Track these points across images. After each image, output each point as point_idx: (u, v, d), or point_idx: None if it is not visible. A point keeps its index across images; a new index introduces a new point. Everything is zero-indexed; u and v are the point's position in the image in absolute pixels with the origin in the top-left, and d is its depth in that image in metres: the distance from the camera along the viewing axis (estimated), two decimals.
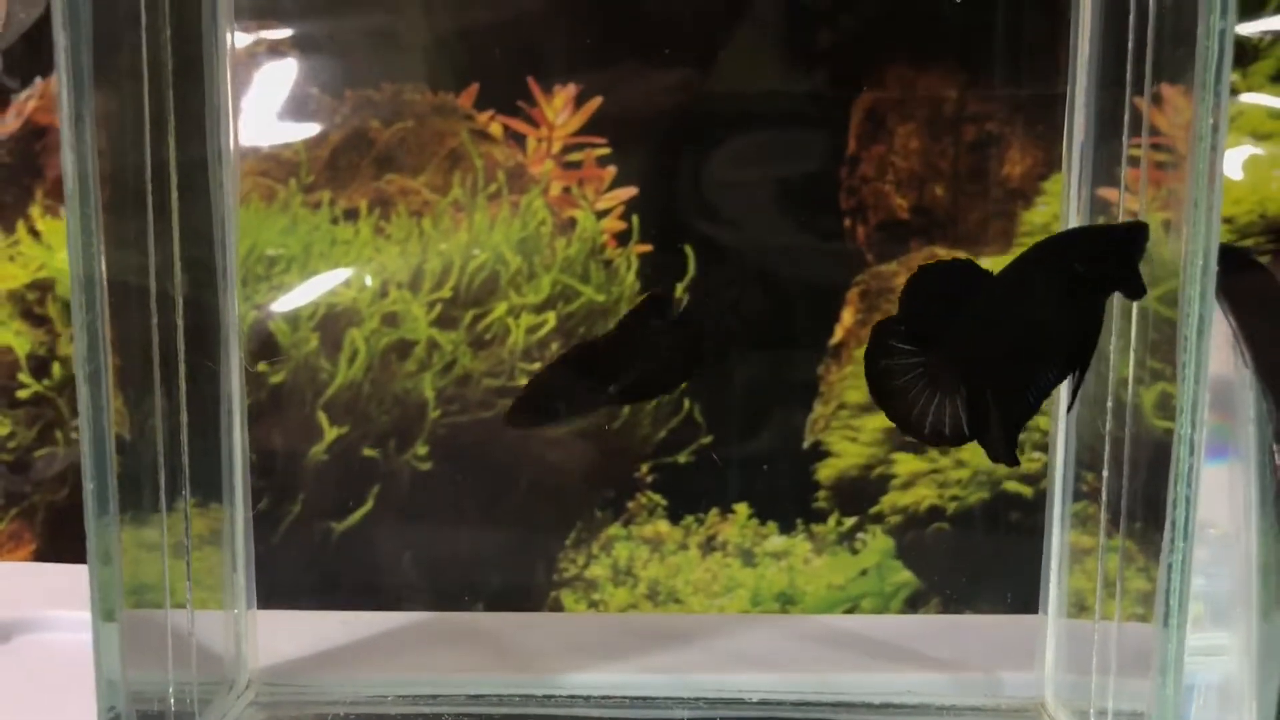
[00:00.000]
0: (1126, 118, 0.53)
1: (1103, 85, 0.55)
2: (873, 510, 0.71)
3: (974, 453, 0.71)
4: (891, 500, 0.71)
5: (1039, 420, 0.70)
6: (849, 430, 0.71)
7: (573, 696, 0.59)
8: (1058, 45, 0.58)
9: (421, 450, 0.71)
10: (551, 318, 0.70)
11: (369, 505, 0.71)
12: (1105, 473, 0.54)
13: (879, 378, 0.50)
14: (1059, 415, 0.58)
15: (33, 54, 0.77)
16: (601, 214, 0.70)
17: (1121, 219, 0.54)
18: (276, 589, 0.63)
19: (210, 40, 0.55)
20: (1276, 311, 0.50)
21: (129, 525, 0.51)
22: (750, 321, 0.70)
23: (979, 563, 0.71)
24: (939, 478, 0.71)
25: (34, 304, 0.75)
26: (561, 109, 0.70)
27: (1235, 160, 0.72)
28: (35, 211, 0.75)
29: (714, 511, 0.72)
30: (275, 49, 0.69)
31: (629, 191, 0.70)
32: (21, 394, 0.75)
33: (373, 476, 0.70)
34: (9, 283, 0.75)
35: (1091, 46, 0.55)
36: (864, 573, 0.72)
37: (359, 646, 0.63)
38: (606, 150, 0.70)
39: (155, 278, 0.53)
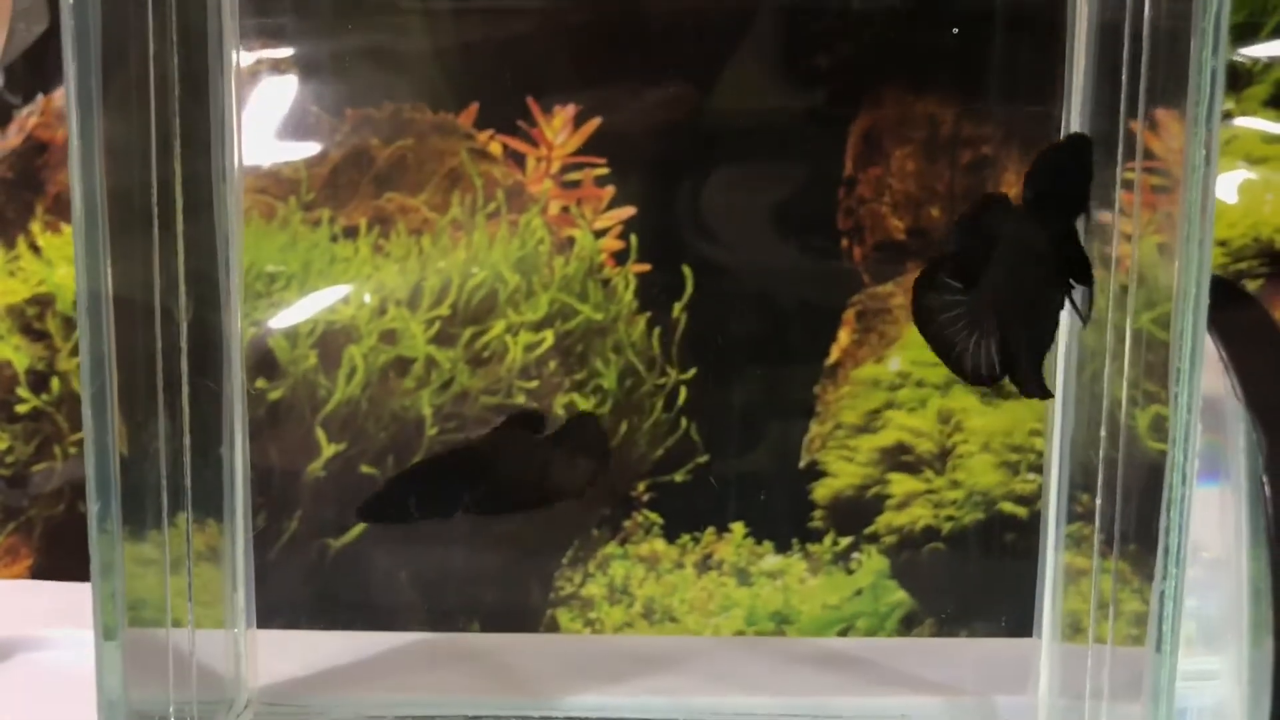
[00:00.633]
0: (1121, 141, 0.54)
1: (1097, 109, 0.55)
2: (868, 530, 0.72)
3: (969, 473, 0.72)
4: (887, 520, 0.72)
5: (1034, 441, 0.71)
6: (845, 450, 0.72)
7: (569, 718, 0.59)
8: (1053, 69, 0.58)
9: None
10: (549, 336, 0.71)
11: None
12: (1099, 494, 0.54)
13: (925, 313, 0.51)
14: (1054, 437, 0.59)
15: (35, 70, 0.77)
16: (600, 233, 0.71)
17: (1115, 243, 0.55)
18: (272, 605, 0.63)
19: (216, 59, 0.55)
20: (1267, 343, 0.51)
21: (130, 543, 0.51)
22: (747, 341, 0.71)
23: (974, 583, 0.71)
24: (934, 498, 0.71)
25: (34, 319, 0.75)
26: (561, 129, 0.70)
27: (1229, 184, 0.72)
28: (36, 227, 0.76)
29: (710, 530, 0.72)
30: (276, 68, 0.69)
31: (627, 211, 0.70)
32: (20, 408, 0.75)
33: (370, 494, 0.71)
34: (9, 297, 0.75)
35: (1086, 70, 0.56)
36: (859, 593, 0.72)
37: (357, 666, 0.63)
38: (605, 170, 0.70)
39: (159, 295, 0.53)
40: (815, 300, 0.71)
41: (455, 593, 0.71)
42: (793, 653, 0.66)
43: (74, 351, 0.75)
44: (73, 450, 0.75)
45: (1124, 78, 0.52)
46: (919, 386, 0.71)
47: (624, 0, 0.69)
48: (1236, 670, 0.51)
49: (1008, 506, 0.71)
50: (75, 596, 0.68)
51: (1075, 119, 0.56)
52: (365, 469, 0.71)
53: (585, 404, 0.71)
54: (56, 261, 0.75)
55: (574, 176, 0.70)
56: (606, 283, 0.71)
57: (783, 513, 0.71)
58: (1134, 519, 0.52)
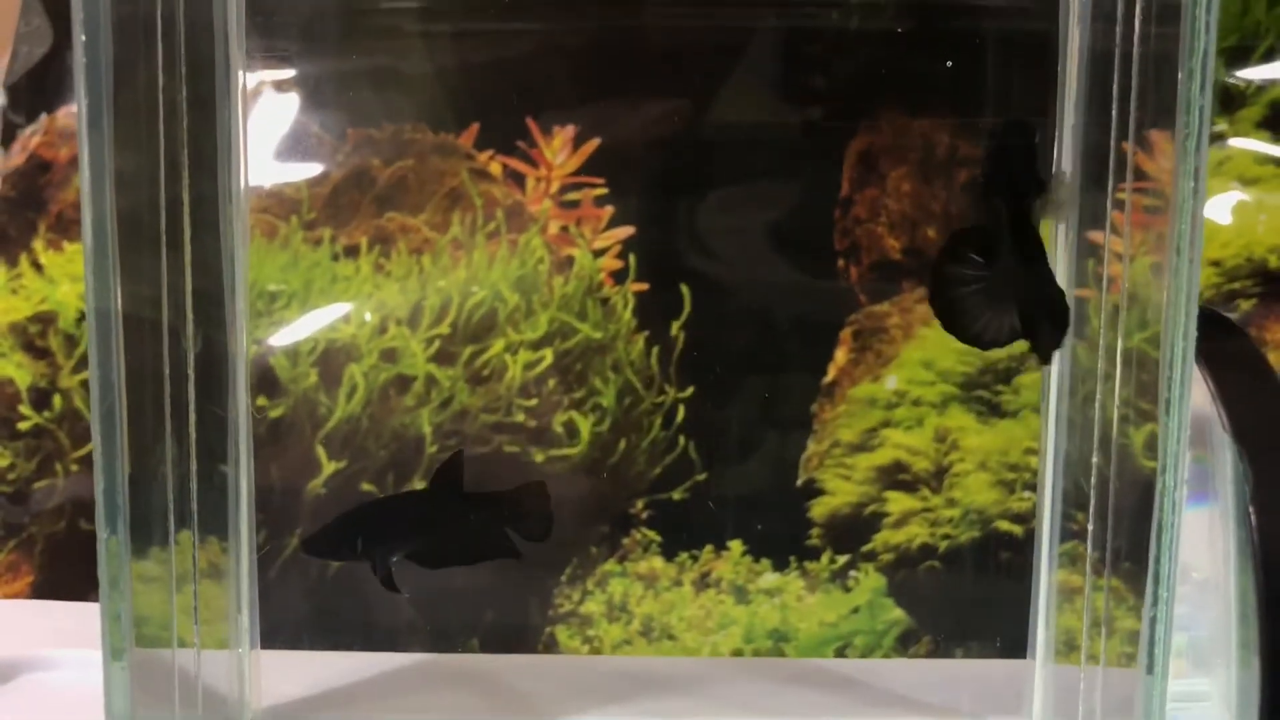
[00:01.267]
0: (1113, 162, 0.54)
1: (1089, 130, 0.56)
2: (865, 548, 0.72)
3: (965, 492, 0.72)
4: (884, 538, 0.72)
5: (1029, 460, 0.71)
6: (842, 468, 0.72)
7: None
8: (1046, 90, 0.59)
9: (419, 485, 0.71)
10: (549, 354, 0.71)
11: None
12: (1092, 512, 0.55)
13: (943, 283, 0.52)
14: (1048, 455, 0.59)
15: (38, 90, 0.78)
16: (599, 253, 0.71)
17: (1108, 263, 0.55)
18: (272, 623, 0.63)
19: (223, 82, 0.56)
20: (1253, 374, 0.51)
21: (134, 561, 0.51)
22: (745, 358, 0.71)
23: (970, 602, 0.71)
24: (931, 516, 0.72)
25: (36, 336, 0.75)
26: (560, 149, 0.71)
27: (1222, 205, 0.73)
28: (38, 245, 0.76)
29: (708, 548, 0.72)
30: (279, 88, 0.70)
31: (626, 231, 0.71)
32: (22, 426, 0.75)
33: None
34: (11, 315, 0.75)
35: (1078, 91, 0.56)
36: (856, 611, 0.72)
37: (359, 687, 0.63)
38: (604, 190, 0.71)
39: (166, 313, 0.53)
40: (812, 319, 0.72)
41: (454, 610, 0.71)
42: (789, 673, 0.66)
43: (76, 369, 0.75)
44: (74, 468, 0.75)
45: (1115, 99, 0.53)
46: (916, 405, 0.72)
47: (623, 23, 0.69)
48: (1226, 692, 0.51)
49: (1004, 525, 0.71)
50: (79, 616, 0.69)
51: (1068, 140, 0.56)
52: (366, 487, 0.71)
53: (584, 422, 0.71)
54: (59, 279, 0.76)
55: (573, 196, 0.71)
56: (605, 302, 0.71)
57: (780, 531, 0.72)
58: (1127, 537, 0.52)
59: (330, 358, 0.71)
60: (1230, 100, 0.72)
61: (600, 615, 0.72)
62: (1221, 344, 0.52)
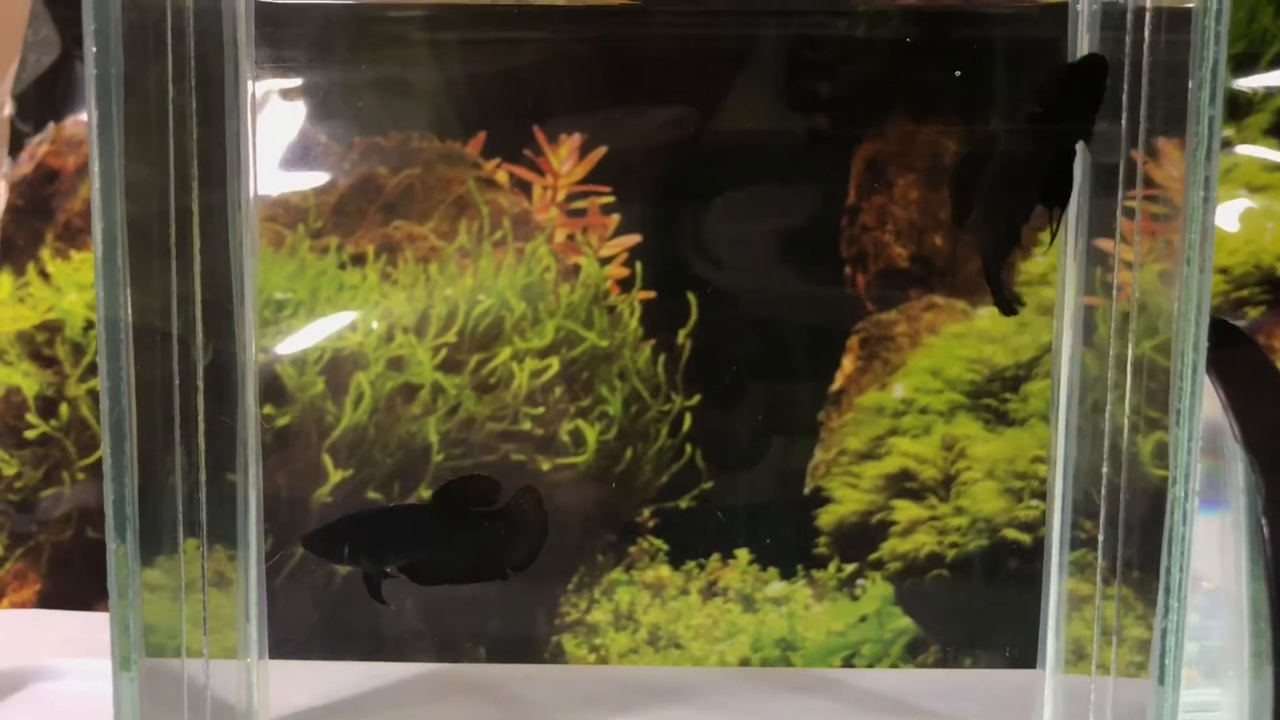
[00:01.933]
0: (1122, 170, 0.54)
1: (1098, 137, 0.56)
2: (873, 556, 0.72)
3: (973, 500, 0.72)
4: (891, 547, 0.72)
5: (1038, 468, 0.71)
6: (849, 477, 0.72)
7: None
8: None
9: (425, 493, 0.71)
10: (555, 363, 0.71)
11: None
12: (1102, 520, 0.54)
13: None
14: (1057, 463, 0.59)
15: (45, 99, 0.78)
16: (605, 261, 0.71)
17: (1117, 270, 0.55)
18: (279, 631, 0.63)
19: (231, 92, 0.56)
20: (1265, 385, 0.51)
21: (144, 572, 0.51)
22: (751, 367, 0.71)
23: (978, 610, 0.71)
24: (938, 524, 0.71)
25: (43, 345, 0.75)
26: (566, 157, 0.71)
27: (1230, 212, 0.73)
28: (45, 254, 0.76)
29: (715, 557, 0.72)
30: (285, 97, 0.70)
31: (632, 239, 0.71)
32: (29, 434, 0.75)
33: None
34: (18, 324, 0.76)
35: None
36: (864, 619, 0.72)
37: (367, 698, 0.63)
38: (610, 198, 0.71)
39: (175, 322, 0.53)
40: (819, 327, 0.72)
41: (461, 618, 0.71)
42: (797, 683, 0.66)
43: (83, 378, 0.75)
44: (81, 476, 0.75)
45: (1124, 106, 0.53)
46: (923, 413, 0.72)
47: (629, 31, 0.69)
48: (1238, 702, 0.51)
49: (1012, 533, 0.71)
50: (86, 625, 0.69)
51: (1077, 148, 0.56)
52: (372, 495, 0.71)
53: (591, 430, 0.71)
54: (66, 288, 0.76)
55: (580, 205, 0.71)
56: (612, 310, 0.71)
57: (787, 539, 0.72)
58: (1138, 544, 0.52)
59: (337, 366, 0.71)
60: (1238, 107, 0.72)
61: (607, 624, 0.72)
62: (1232, 353, 0.52)
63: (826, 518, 0.72)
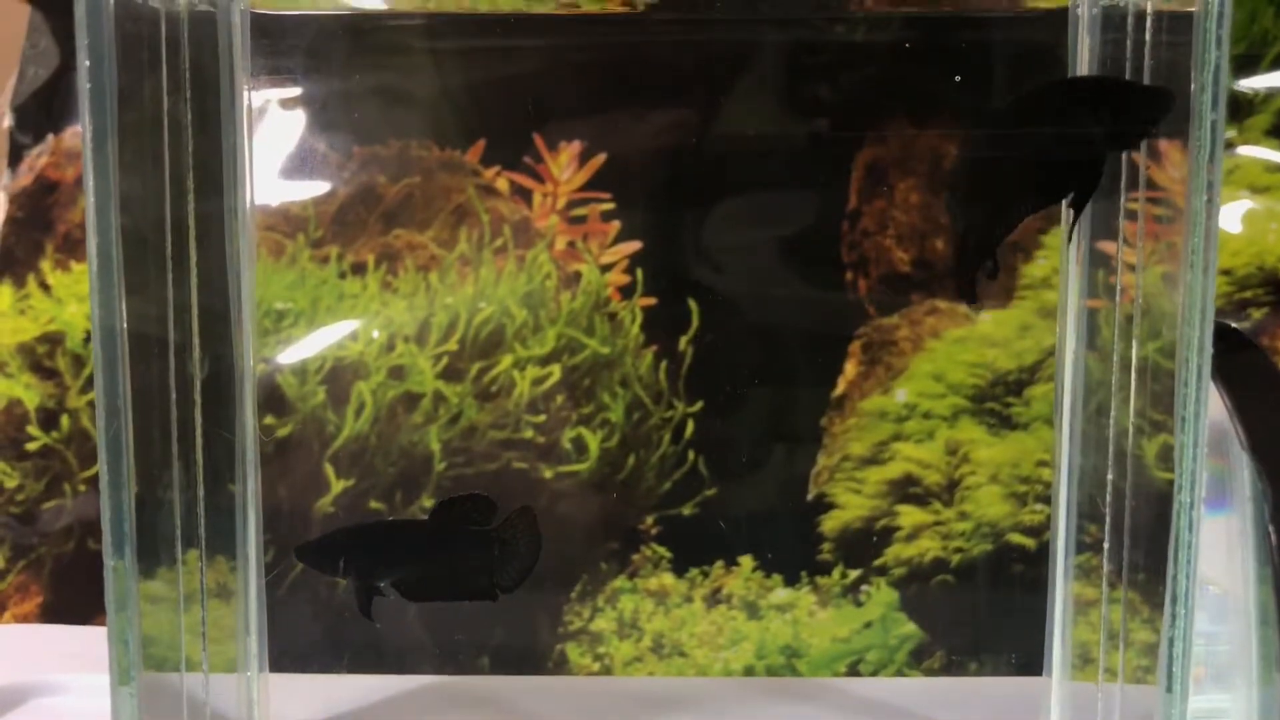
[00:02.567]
0: (1124, 172, 0.54)
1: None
2: (877, 562, 0.71)
3: (977, 505, 0.71)
4: (895, 552, 0.71)
5: (1042, 472, 0.71)
6: (853, 482, 0.72)
7: None
8: None
9: (427, 502, 0.71)
10: (556, 370, 0.71)
11: None
12: (1107, 524, 0.54)
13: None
14: (1062, 466, 0.59)
15: (44, 111, 0.78)
16: (606, 268, 0.71)
17: (1120, 273, 0.55)
18: (280, 643, 0.63)
19: (228, 101, 0.56)
20: (1270, 391, 0.51)
21: (144, 584, 0.51)
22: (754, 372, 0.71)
23: (983, 615, 0.71)
24: (942, 529, 0.71)
25: (44, 357, 0.75)
26: (566, 165, 0.70)
27: (1233, 213, 0.72)
28: (46, 265, 0.76)
29: (719, 564, 0.72)
30: (284, 106, 0.70)
31: (633, 245, 0.71)
32: (30, 446, 0.75)
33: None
34: (19, 336, 0.76)
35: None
36: (869, 625, 0.71)
37: (369, 711, 0.63)
38: (611, 205, 0.71)
39: (173, 333, 0.53)
40: (821, 332, 0.72)
41: (464, 628, 0.71)
42: (803, 693, 0.66)
43: (83, 389, 0.75)
44: (82, 488, 0.75)
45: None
46: (926, 418, 0.71)
47: (628, 38, 0.69)
48: (1247, 708, 0.51)
49: (1016, 538, 0.71)
50: (86, 640, 0.68)
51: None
52: (374, 505, 0.71)
53: (593, 438, 0.71)
54: (66, 300, 0.76)
55: (580, 212, 0.71)
56: (613, 317, 0.71)
57: (791, 546, 0.71)
58: (1143, 548, 0.52)
59: (338, 375, 0.71)
60: (1239, 108, 0.72)
61: (611, 632, 0.72)
62: (1237, 359, 0.52)
63: (830, 524, 0.72)
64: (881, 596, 0.71)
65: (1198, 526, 0.45)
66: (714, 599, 0.71)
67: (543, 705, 0.64)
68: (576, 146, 0.70)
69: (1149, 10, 0.51)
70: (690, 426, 0.71)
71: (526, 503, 0.57)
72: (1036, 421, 0.71)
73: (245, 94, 0.57)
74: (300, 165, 0.70)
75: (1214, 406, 0.49)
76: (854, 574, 0.71)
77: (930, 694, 0.65)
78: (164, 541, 0.54)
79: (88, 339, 0.75)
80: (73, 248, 0.77)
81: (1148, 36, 0.51)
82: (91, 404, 0.74)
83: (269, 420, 0.70)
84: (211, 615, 0.57)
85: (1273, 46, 0.72)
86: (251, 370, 0.59)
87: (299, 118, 0.70)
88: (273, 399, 0.70)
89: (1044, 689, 0.60)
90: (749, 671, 0.71)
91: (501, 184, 0.71)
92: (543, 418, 0.71)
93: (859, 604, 0.71)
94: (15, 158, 0.78)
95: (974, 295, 0.54)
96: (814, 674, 0.70)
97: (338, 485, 0.71)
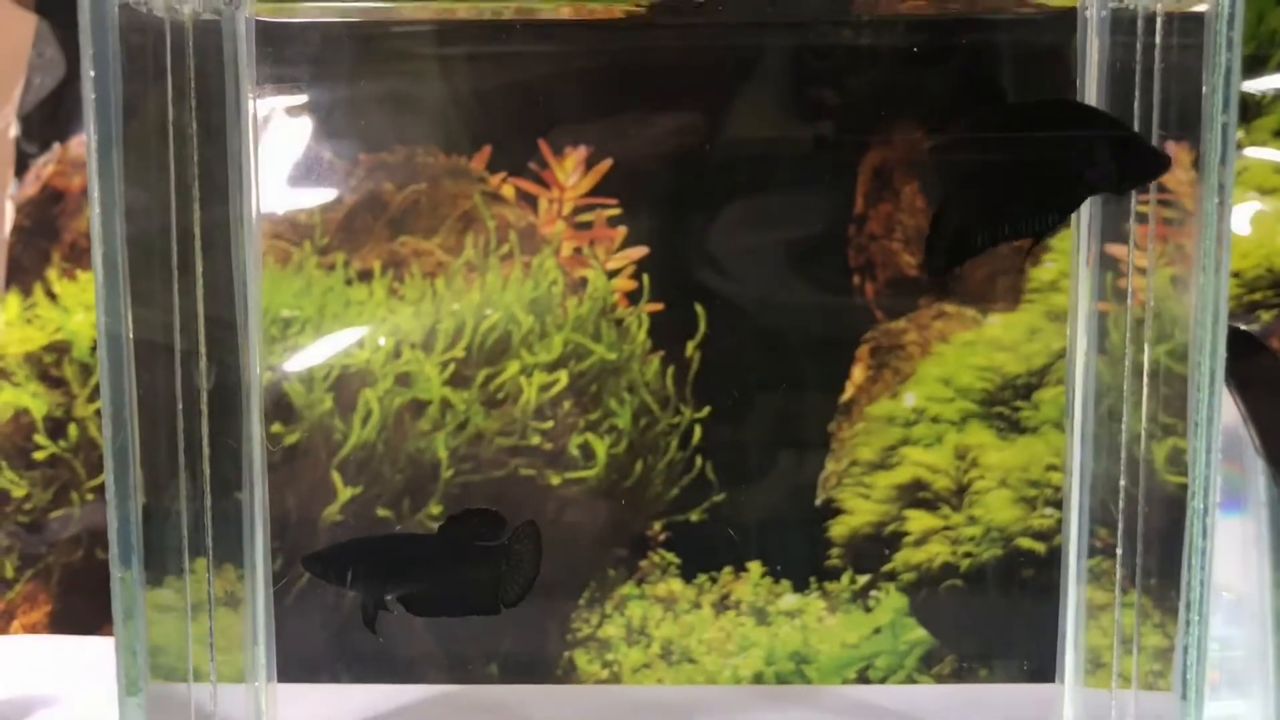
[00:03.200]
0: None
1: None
2: (886, 568, 0.71)
3: (986, 509, 0.71)
4: (904, 558, 0.71)
5: (1051, 476, 0.70)
6: (861, 487, 0.71)
7: None
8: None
9: (435, 510, 0.71)
10: (563, 376, 0.71)
11: None
12: (1119, 528, 0.54)
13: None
14: (1073, 471, 0.58)
15: (51, 120, 0.78)
16: (612, 273, 0.71)
17: (1131, 275, 0.55)
18: (288, 651, 0.63)
19: (233, 109, 0.56)
20: None
21: (149, 590, 0.51)
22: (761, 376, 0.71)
23: (993, 621, 0.71)
24: (952, 534, 0.71)
25: (51, 366, 0.75)
26: (572, 171, 0.70)
27: (1241, 215, 0.72)
28: (52, 274, 0.76)
29: (727, 570, 0.71)
30: (290, 114, 0.70)
31: (639, 251, 0.71)
32: (38, 455, 0.75)
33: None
34: (26, 345, 0.76)
35: (1097, 104, 0.56)
36: (878, 631, 0.71)
37: None
38: (617, 211, 0.70)
39: (179, 342, 0.53)
40: (828, 337, 0.71)
41: (472, 635, 0.71)
42: (813, 700, 0.66)
43: (91, 398, 0.75)
44: (90, 497, 0.75)
45: (1135, 111, 0.52)
46: (934, 422, 0.71)
47: (634, 43, 0.69)
48: (1263, 714, 0.50)
49: (1026, 542, 0.70)
50: (93, 650, 0.68)
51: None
52: (382, 512, 0.71)
53: (600, 444, 0.71)
54: (73, 308, 0.76)
55: (586, 218, 0.71)
56: (620, 323, 0.71)
57: (800, 551, 0.71)
58: (1155, 553, 0.52)
59: (345, 383, 0.70)
60: (1246, 109, 0.72)
61: (619, 639, 0.71)
62: (1250, 363, 0.51)
63: (839, 529, 0.71)
64: (891, 602, 0.71)
65: (1212, 532, 0.45)
66: (722, 605, 0.71)
67: (551, 713, 0.63)
68: (583, 152, 0.70)
69: (1159, 11, 0.50)
70: (698, 432, 0.71)
71: (531, 515, 0.57)
72: (1046, 425, 0.70)
73: (250, 102, 0.57)
74: (306, 173, 0.70)
75: (1226, 411, 0.48)
76: (863, 579, 0.71)
77: (941, 701, 0.64)
78: (171, 551, 0.54)
79: (95, 348, 0.75)
80: (79, 257, 0.77)
81: (1157, 39, 0.51)
82: (99, 413, 0.74)
83: (276, 428, 0.70)
84: (219, 624, 0.56)
85: None
86: (258, 378, 0.59)
87: (305, 125, 0.70)
88: (280, 407, 0.70)
89: (1056, 695, 0.59)
90: (758, 678, 0.71)
91: (507, 190, 0.71)
92: (550, 424, 0.71)
93: (868, 610, 0.71)
94: (22, 167, 0.78)
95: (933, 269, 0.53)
96: (823, 680, 0.70)
97: (345, 493, 0.71)
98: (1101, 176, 0.50)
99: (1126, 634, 0.54)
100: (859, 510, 0.71)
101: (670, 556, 0.71)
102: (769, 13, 0.67)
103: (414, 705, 0.65)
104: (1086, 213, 0.57)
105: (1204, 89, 0.45)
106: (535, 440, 0.71)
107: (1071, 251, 0.59)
